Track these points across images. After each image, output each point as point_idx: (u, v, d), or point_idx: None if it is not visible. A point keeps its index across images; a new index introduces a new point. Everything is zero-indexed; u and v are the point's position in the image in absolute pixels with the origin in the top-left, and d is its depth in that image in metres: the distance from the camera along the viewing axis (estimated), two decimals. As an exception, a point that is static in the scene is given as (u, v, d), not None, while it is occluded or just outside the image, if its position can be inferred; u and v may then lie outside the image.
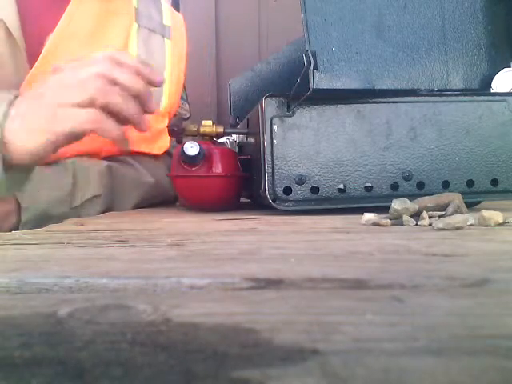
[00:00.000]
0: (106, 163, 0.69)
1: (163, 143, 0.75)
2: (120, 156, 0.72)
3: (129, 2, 0.71)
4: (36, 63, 0.59)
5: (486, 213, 0.34)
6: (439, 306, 0.15)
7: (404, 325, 0.13)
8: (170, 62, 0.76)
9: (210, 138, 0.58)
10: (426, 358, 0.11)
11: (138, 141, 0.71)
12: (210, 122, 0.57)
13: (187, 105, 0.89)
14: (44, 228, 0.39)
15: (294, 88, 0.46)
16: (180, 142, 0.55)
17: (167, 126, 0.55)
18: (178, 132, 0.55)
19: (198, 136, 0.58)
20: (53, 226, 0.40)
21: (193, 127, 0.57)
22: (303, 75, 0.44)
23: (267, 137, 0.48)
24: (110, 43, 0.67)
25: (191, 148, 0.51)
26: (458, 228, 0.32)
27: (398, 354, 0.11)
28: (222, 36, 1.20)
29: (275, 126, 0.48)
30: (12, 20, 0.58)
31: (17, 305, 0.16)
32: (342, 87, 0.45)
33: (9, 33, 0.58)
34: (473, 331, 0.12)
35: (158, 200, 0.76)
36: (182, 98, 0.86)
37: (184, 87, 0.88)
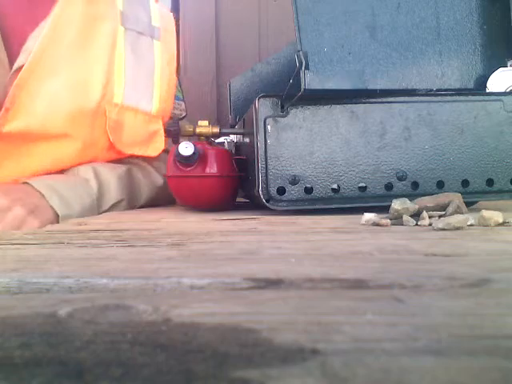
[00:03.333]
0: (124, 167, 0.71)
1: (158, 145, 0.76)
2: (131, 158, 0.74)
3: (113, 5, 0.70)
4: (25, 66, 0.60)
5: (486, 213, 0.34)
6: (439, 306, 0.15)
7: (404, 325, 0.13)
8: (160, 64, 0.76)
9: (207, 138, 0.58)
10: (426, 357, 0.11)
11: (130, 144, 0.72)
12: (205, 123, 0.57)
13: (183, 104, 0.89)
14: (44, 228, 0.39)
15: (287, 88, 0.46)
16: (176, 143, 0.55)
17: (163, 127, 0.56)
18: (174, 133, 0.56)
19: (194, 136, 0.58)
20: (53, 226, 0.40)
21: (189, 127, 0.57)
22: (296, 75, 0.44)
23: (261, 137, 0.48)
24: (97, 47, 0.67)
25: (186, 148, 0.51)
26: (457, 228, 0.32)
27: (398, 354, 0.11)
28: (222, 36, 1.20)
29: (269, 127, 0.48)
30: None
31: (17, 305, 0.16)
32: (334, 88, 0.45)
33: None
34: (473, 331, 0.12)
35: (165, 201, 0.77)
36: (177, 97, 0.86)
37: (180, 86, 0.88)
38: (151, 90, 0.74)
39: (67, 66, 0.63)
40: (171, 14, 0.83)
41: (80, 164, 0.67)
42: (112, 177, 0.68)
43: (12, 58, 0.61)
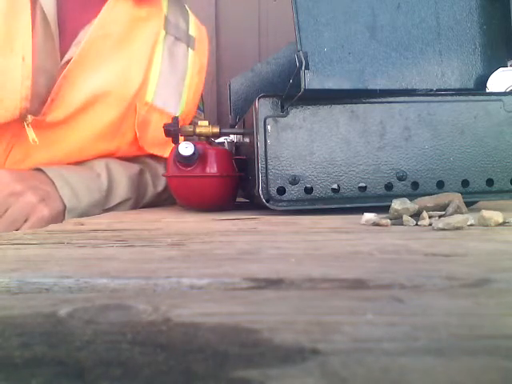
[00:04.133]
0: (138, 167, 0.72)
1: None
2: (142, 157, 0.75)
3: (159, 9, 0.73)
4: (73, 58, 0.62)
5: (486, 213, 0.34)
6: (439, 305, 0.15)
7: (404, 325, 0.13)
8: (191, 72, 0.78)
9: (207, 138, 0.58)
10: (426, 357, 0.11)
11: (152, 143, 0.73)
12: (205, 123, 0.57)
13: (203, 114, 0.91)
14: (44, 228, 0.39)
15: (287, 88, 0.46)
16: (176, 143, 0.55)
17: (163, 126, 0.56)
18: (174, 133, 0.56)
19: (194, 136, 0.58)
20: (53, 226, 0.40)
21: (189, 128, 0.57)
22: (296, 75, 0.44)
23: (261, 137, 0.48)
24: (139, 46, 0.69)
25: (186, 148, 0.51)
26: (457, 228, 0.32)
27: (397, 354, 0.11)
28: (222, 36, 1.20)
29: (269, 127, 0.48)
30: (49, 8, 0.61)
31: (17, 305, 0.16)
32: (334, 88, 0.45)
33: (46, 19, 0.60)
34: (473, 331, 0.12)
35: (168, 202, 0.77)
36: (198, 107, 0.88)
37: (202, 97, 0.90)
38: (179, 96, 0.77)
39: (111, 61, 0.66)
40: (204, 27, 0.85)
41: (102, 155, 0.69)
42: (123, 175, 0.69)
43: (63, 52, 0.63)
